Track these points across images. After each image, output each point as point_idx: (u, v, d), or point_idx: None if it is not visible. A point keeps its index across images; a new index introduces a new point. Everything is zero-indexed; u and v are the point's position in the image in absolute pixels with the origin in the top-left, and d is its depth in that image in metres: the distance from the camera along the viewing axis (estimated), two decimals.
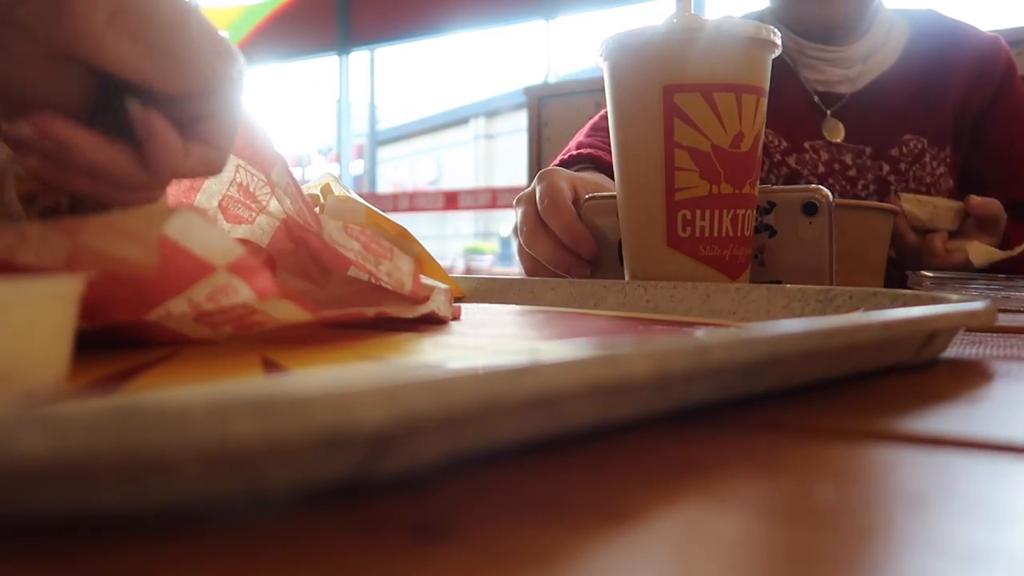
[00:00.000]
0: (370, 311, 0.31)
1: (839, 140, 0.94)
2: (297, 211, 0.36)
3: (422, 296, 0.34)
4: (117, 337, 0.28)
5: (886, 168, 0.92)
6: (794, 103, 0.94)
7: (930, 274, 0.65)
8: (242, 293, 0.24)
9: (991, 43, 0.96)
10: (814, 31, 0.94)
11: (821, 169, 0.94)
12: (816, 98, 0.95)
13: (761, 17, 0.97)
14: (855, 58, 0.94)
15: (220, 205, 0.41)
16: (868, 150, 0.92)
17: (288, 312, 0.26)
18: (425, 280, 0.37)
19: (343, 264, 0.34)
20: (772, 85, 0.50)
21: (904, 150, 0.91)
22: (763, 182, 0.96)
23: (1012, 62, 0.96)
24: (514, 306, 0.47)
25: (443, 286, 0.37)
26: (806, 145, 0.94)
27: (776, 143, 0.95)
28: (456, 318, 0.38)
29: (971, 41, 0.95)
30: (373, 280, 0.34)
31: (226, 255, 0.23)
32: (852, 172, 0.92)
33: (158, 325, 0.26)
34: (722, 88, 0.49)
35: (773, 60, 0.51)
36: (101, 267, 0.23)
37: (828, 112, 0.94)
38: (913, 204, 0.81)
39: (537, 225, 0.62)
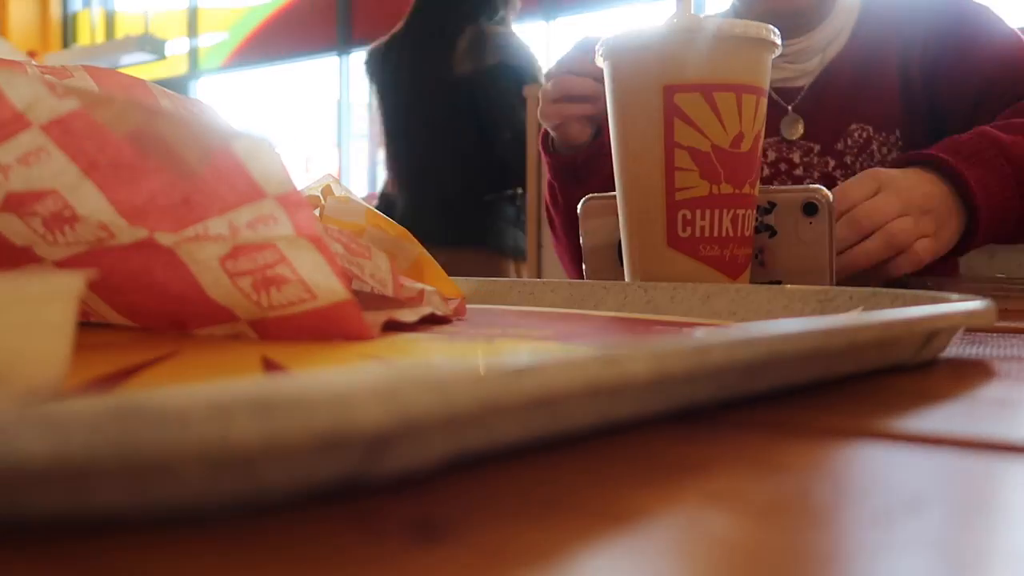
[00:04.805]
0: (379, 317, 0.30)
1: (796, 137, 0.88)
2: None
3: (405, 296, 0.34)
4: (119, 326, 0.29)
5: (832, 163, 0.87)
6: None
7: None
8: (282, 226, 0.24)
9: (955, 4, 0.86)
10: (781, 21, 0.81)
11: (766, 172, 0.88)
12: (775, 95, 0.88)
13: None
14: (816, 47, 0.88)
15: None
16: (816, 147, 0.87)
17: (312, 263, 0.26)
18: (404, 281, 0.37)
19: (347, 277, 0.34)
20: None
21: (849, 142, 0.86)
22: None
23: (983, 10, 0.85)
24: (514, 307, 0.47)
25: (430, 288, 0.37)
26: None
27: None
28: (462, 314, 0.38)
29: (932, 9, 0.86)
30: (376, 291, 0.34)
31: (279, 186, 0.24)
32: (799, 171, 0.88)
33: (179, 264, 0.26)
34: (722, 88, 0.49)
35: None
36: (154, 155, 0.23)
37: (789, 108, 0.88)
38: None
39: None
